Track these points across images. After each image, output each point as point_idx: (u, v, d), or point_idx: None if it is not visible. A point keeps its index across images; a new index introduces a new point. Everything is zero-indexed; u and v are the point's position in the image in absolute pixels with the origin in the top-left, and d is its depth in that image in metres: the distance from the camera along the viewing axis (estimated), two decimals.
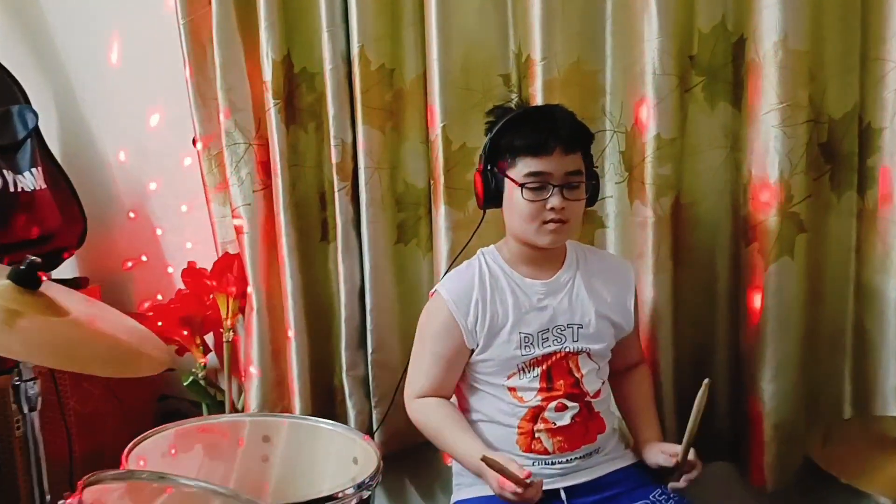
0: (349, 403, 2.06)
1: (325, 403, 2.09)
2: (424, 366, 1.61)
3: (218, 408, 2.18)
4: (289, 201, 2.01)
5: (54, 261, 2.22)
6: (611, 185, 1.89)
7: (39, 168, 2.13)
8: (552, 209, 1.49)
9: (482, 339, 1.56)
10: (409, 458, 2.11)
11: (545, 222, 1.51)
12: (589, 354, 1.58)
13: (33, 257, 1.19)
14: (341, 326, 2.03)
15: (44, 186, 2.13)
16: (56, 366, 1.11)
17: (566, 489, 1.55)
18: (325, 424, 1.73)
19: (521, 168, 1.50)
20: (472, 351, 1.57)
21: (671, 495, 1.54)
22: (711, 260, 1.85)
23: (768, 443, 1.76)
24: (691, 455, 1.49)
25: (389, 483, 2.21)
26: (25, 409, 1.20)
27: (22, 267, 1.17)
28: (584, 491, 1.56)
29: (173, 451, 1.62)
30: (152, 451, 1.56)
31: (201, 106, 2.07)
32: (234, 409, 2.17)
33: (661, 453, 1.55)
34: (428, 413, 1.60)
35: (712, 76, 1.78)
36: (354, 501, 1.44)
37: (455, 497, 1.65)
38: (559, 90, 1.82)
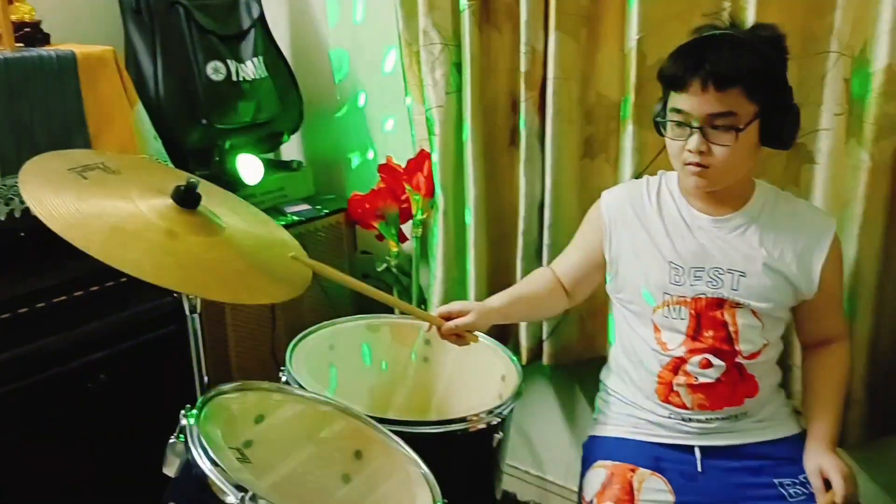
0: None
1: None
2: (568, 246, 1.67)
3: (406, 294, 2.31)
4: (477, 106, 1.99)
5: (272, 144, 2.41)
6: (827, 117, 1.64)
7: (261, 57, 2.27)
8: (690, 151, 1.36)
9: (629, 257, 1.51)
10: (576, 372, 2.12)
11: (686, 164, 1.39)
12: (751, 310, 1.44)
13: (192, 178, 1.30)
14: (519, 237, 2.02)
15: (265, 75, 2.28)
16: (193, 293, 1.21)
17: (702, 447, 1.49)
18: (481, 337, 1.77)
19: (670, 101, 1.39)
20: (607, 263, 1.55)
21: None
22: None
23: None
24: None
25: (550, 393, 2.25)
26: (187, 311, 1.36)
27: (182, 187, 1.29)
28: (722, 454, 1.48)
29: (336, 347, 1.75)
30: (317, 345, 1.71)
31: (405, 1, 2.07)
32: (421, 297, 2.29)
33: (817, 476, 1.41)
34: (527, 277, 1.72)
35: None
36: (485, 425, 1.50)
37: (591, 431, 1.65)
38: (777, 2, 1.59)
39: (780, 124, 1.37)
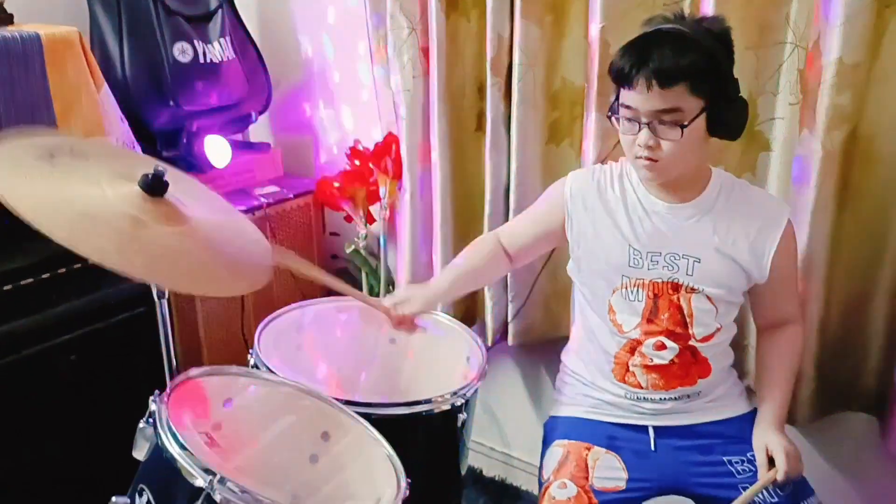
0: (487, 295, 2.12)
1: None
2: (519, 215, 1.75)
3: (375, 275, 2.34)
4: (444, 91, 2.01)
5: (240, 126, 2.41)
6: (782, 106, 1.69)
7: (229, 38, 2.27)
8: (640, 146, 1.40)
9: (589, 238, 1.55)
10: (540, 351, 2.17)
11: (637, 157, 1.43)
12: (706, 295, 1.49)
13: (160, 166, 1.31)
14: (485, 221, 2.06)
15: (232, 56, 2.27)
16: (158, 282, 1.23)
17: (655, 428, 1.55)
18: (444, 318, 1.82)
19: (620, 96, 1.42)
20: (569, 244, 1.59)
21: None
22: (883, 203, 1.62)
23: None
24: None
25: (516, 372, 2.30)
26: (155, 296, 1.38)
27: (149, 175, 1.30)
28: (675, 434, 1.54)
29: (306, 327, 1.78)
30: (286, 327, 1.73)
31: None
32: (389, 278, 2.33)
33: (763, 453, 1.47)
34: (470, 244, 1.75)
35: None
36: (449, 406, 1.54)
37: (552, 411, 1.70)
38: None
39: (726, 117, 1.40)
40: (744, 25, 1.65)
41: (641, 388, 1.53)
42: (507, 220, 2.03)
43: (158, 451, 1.11)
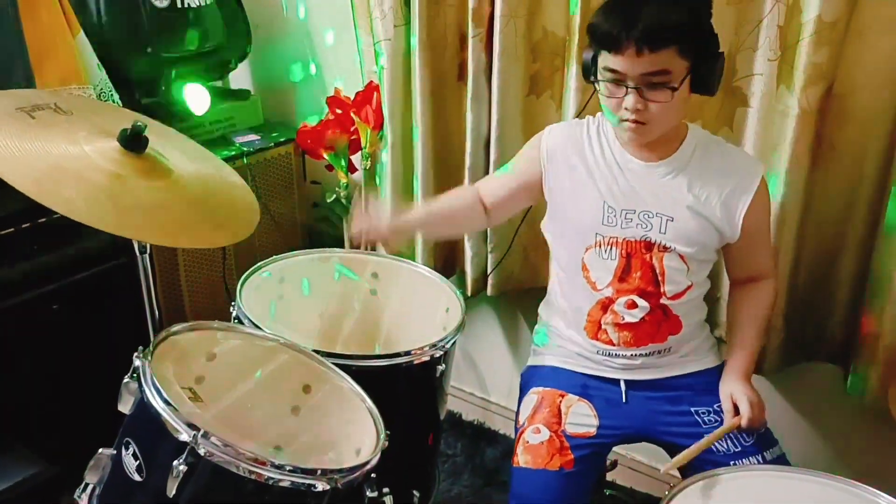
0: (467, 245, 2.14)
1: (446, 243, 2.20)
2: (499, 170, 1.75)
3: None
4: (425, 41, 2.00)
5: (219, 72, 2.39)
6: (761, 62, 1.69)
7: None
8: (627, 109, 1.39)
9: (565, 195, 1.56)
10: (518, 300, 2.21)
11: (623, 120, 1.41)
12: (678, 253, 1.51)
13: (139, 122, 1.31)
14: (465, 172, 2.07)
15: (211, 1, 2.23)
16: (128, 235, 1.24)
17: (627, 381, 1.59)
18: (424, 270, 1.84)
19: (601, 60, 1.39)
20: (541, 195, 1.60)
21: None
22: (856, 161, 1.65)
23: (873, 366, 1.67)
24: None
25: (495, 320, 2.35)
26: (137, 251, 1.39)
27: (128, 130, 1.30)
28: (645, 386, 1.59)
29: (288, 279, 1.81)
30: (268, 278, 1.76)
31: None
32: None
33: (728, 401, 1.51)
34: (449, 192, 1.75)
35: None
36: (428, 357, 1.57)
37: (529, 361, 1.74)
38: None
39: (709, 74, 1.40)
40: None
41: (613, 345, 1.57)
42: (487, 171, 2.04)
43: (143, 406, 1.14)
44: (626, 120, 1.40)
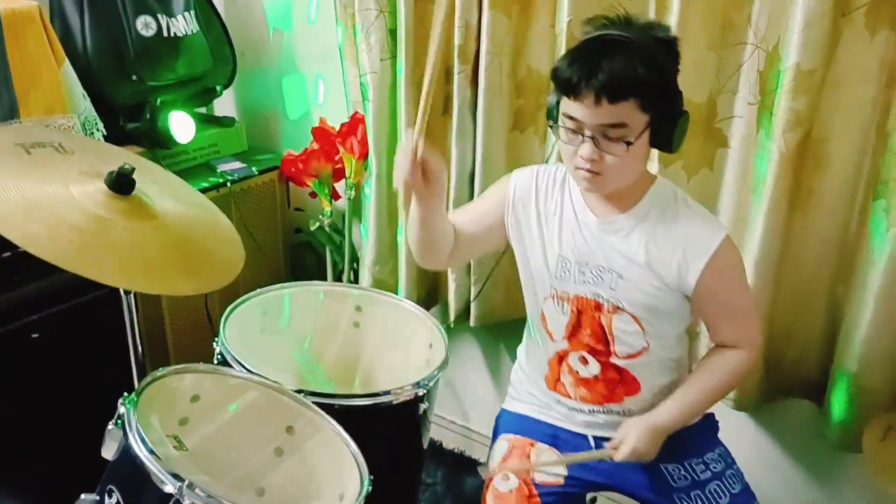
0: (450, 277, 2.16)
1: (429, 273, 2.21)
2: (465, 207, 1.73)
3: (339, 251, 2.37)
4: (411, 75, 2.02)
5: (204, 99, 2.39)
6: (741, 105, 1.73)
7: (193, 11, 2.24)
8: (582, 158, 1.35)
9: (525, 242, 1.52)
10: (501, 329, 2.23)
11: (578, 168, 1.37)
12: (629, 314, 1.45)
13: (127, 165, 1.32)
14: (450, 205, 2.09)
15: (196, 29, 2.24)
16: (105, 281, 1.24)
17: (595, 437, 1.57)
18: (408, 305, 1.86)
19: (562, 105, 1.35)
20: (507, 238, 1.55)
21: (710, 465, 1.53)
22: (832, 204, 1.68)
23: (847, 404, 1.70)
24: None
25: (476, 349, 2.37)
26: (122, 291, 1.40)
27: (115, 172, 1.31)
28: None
29: (270, 313, 1.81)
30: (250, 312, 1.76)
31: None
32: (353, 256, 2.35)
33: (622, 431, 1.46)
34: None
35: None
36: (412, 396, 1.58)
37: (504, 404, 1.74)
38: None
39: (670, 131, 1.35)
40: (707, 25, 1.68)
41: (571, 398, 1.55)
42: None
43: (127, 454, 1.14)
44: (581, 168, 1.37)
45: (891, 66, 1.57)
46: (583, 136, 1.33)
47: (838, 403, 1.73)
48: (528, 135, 2.02)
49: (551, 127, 1.45)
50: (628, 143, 1.32)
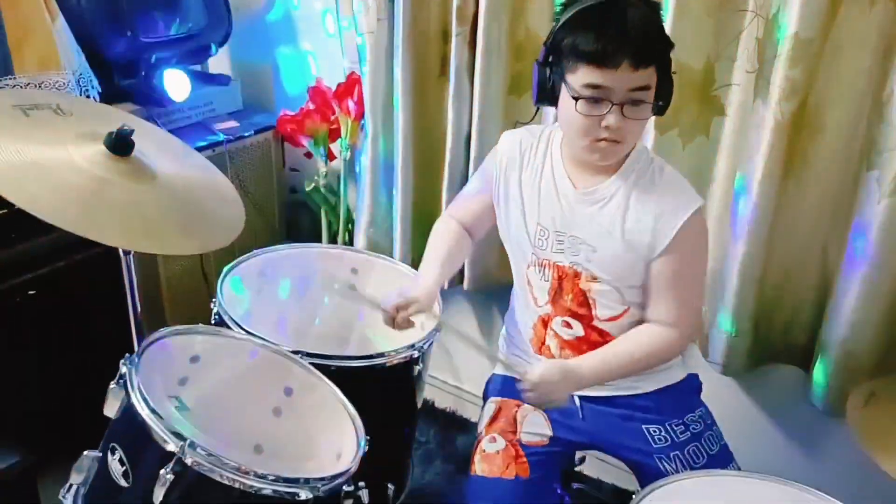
0: None
1: (425, 235, 2.20)
2: (462, 191, 1.73)
3: (334, 213, 2.37)
4: (409, 36, 2.00)
5: (199, 57, 2.37)
6: (739, 73, 1.74)
7: None
8: (607, 127, 1.35)
9: (507, 208, 1.55)
10: (494, 293, 2.25)
11: (598, 140, 1.37)
12: (604, 280, 1.48)
13: (126, 126, 1.32)
14: (445, 168, 2.09)
15: None
16: (106, 241, 1.25)
17: (581, 396, 1.59)
18: (404, 268, 1.87)
19: (581, 76, 1.33)
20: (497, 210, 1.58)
21: (690, 426, 1.56)
22: (825, 172, 1.69)
23: (833, 371, 1.73)
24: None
25: (469, 311, 2.39)
26: (121, 252, 1.41)
27: (114, 133, 1.31)
28: (600, 402, 1.59)
29: (267, 273, 1.82)
30: (247, 273, 1.77)
31: None
32: (348, 217, 2.36)
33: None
34: (433, 231, 1.70)
35: None
36: (406, 358, 1.61)
37: (494, 369, 1.77)
38: None
39: (669, 91, 1.38)
40: None
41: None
42: (467, 167, 2.07)
43: (130, 413, 1.16)
44: (602, 140, 1.37)
45: (889, 36, 1.57)
46: (611, 104, 1.33)
47: (824, 370, 1.77)
48: (526, 99, 2.02)
49: (537, 104, 1.46)
50: (653, 105, 1.35)
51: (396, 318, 1.47)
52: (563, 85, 1.38)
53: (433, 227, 1.71)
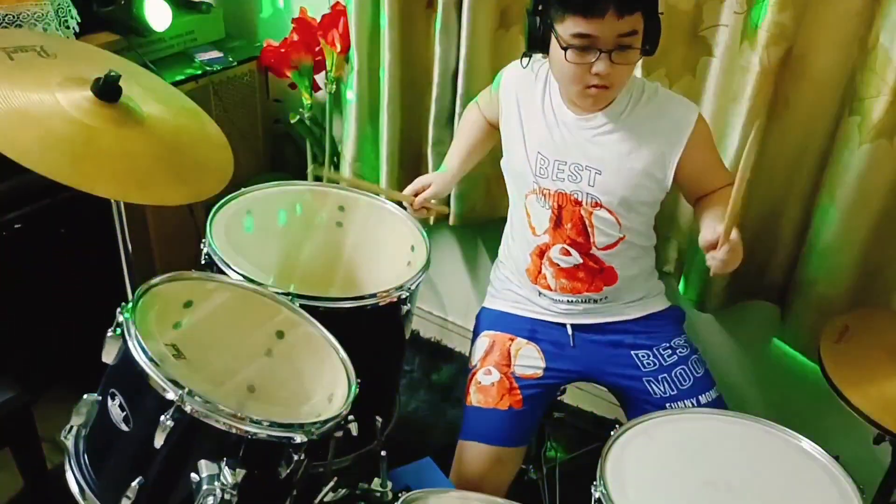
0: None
1: (411, 169, 2.23)
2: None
3: (319, 145, 2.36)
4: None
5: None
6: (728, 14, 1.73)
7: None
8: (597, 74, 1.39)
9: (509, 136, 1.62)
10: (482, 228, 2.28)
11: (588, 86, 1.42)
12: (606, 208, 1.55)
13: (113, 71, 1.30)
14: (432, 103, 2.08)
15: None
16: (98, 192, 1.25)
17: (573, 325, 1.68)
18: (390, 206, 1.89)
19: (569, 26, 1.37)
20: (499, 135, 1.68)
21: (677, 350, 1.64)
22: (807, 118, 1.71)
23: (807, 309, 1.79)
24: (734, 234, 1.41)
25: (455, 245, 2.42)
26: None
27: (101, 79, 1.29)
28: (591, 330, 1.68)
29: (253, 213, 1.83)
30: (235, 212, 1.78)
31: None
32: (334, 150, 2.35)
33: (713, 229, 1.44)
34: (463, 118, 1.87)
35: None
36: (395, 298, 1.64)
37: (484, 303, 1.83)
38: None
39: (656, 33, 1.43)
40: None
41: (551, 290, 1.65)
42: (454, 103, 2.06)
43: (128, 360, 1.19)
44: (592, 86, 1.42)
45: None
46: (600, 51, 1.36)
47: (798, 308, 1.83)
48: (514, 33, 2.00)
49: (530, 51, 1.49)
50: (640, 49, 1.39)
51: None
52: (552, 34, 1.41)
53: (463, 114, 1.86)
